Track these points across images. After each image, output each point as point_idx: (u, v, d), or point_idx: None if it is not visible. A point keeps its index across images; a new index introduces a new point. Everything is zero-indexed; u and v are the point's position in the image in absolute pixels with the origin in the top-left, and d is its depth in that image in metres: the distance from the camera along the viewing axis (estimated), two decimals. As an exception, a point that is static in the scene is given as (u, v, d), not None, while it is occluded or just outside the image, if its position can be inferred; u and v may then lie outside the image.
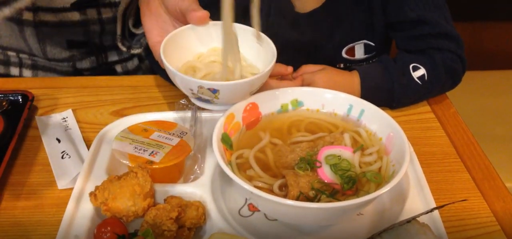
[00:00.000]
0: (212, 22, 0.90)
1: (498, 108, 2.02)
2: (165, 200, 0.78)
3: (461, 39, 1.10)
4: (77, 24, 1.20)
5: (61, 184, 0.85)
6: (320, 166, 0.77)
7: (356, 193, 0.75)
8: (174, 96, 1.07)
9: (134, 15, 1.16)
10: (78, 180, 0.81)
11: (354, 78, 1.06)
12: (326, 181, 0.76)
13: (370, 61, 1.19)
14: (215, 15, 0.87)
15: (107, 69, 1.30)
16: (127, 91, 1.12)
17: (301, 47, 1.18)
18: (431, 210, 0.73)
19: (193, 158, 0.88)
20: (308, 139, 0.84)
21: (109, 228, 0.72)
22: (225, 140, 0.80)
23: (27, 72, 1.24)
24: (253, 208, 0.81)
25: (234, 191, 0.83)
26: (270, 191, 0.75)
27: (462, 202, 0.84)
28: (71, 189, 0.80)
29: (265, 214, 0.80)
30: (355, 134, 0.84)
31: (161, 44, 0.86)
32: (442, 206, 0.76)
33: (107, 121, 0.99)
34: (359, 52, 1.19)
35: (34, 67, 1.24)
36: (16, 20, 1.17)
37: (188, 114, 0.96)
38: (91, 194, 0.77)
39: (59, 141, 0.94)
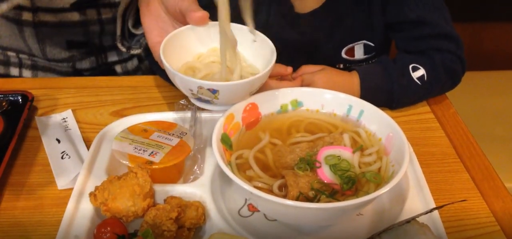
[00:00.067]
0: (211, 23, 0.90)
1: (497, 109, 2.02)
2: (165, 200, 0.78)
3: (460, 40, 1.10)
4: (77, 24, 1.20)
5: (61, 184, 0.85)
6: (320, 167, 0.77)
7: (355, 194, 0.75)
8: (174, 97, 1.07)
9: (133, 15, 1.16)
10: (78, 181, 0.81)
11: (353, 79, 1.06)
12: (325, 181, 0.76)
13: (370, 62, 1.19)
14: (215, 15, 0.86)
15: (106, 70, 1.30)
16: (127, 92, 1.12)
17: (300, 48, 1.19)
18: (431, 211, 0.73)
19: (192, 158, 0.88)
20: (308, 140, 0.84)
21: (109, 228, 0.72)
22: (225, 140, 0.80)
23: (27, 73, 1.24)
24: (252, 208, 0.81)
25: (233, 191, 0.83)
26: (270, 191, 0.75)
27: (462, 202, 0.84)
28: (71, 189, 0.80)
29: (264, 215, 0.80)
30: (354, 134, 0.84)
31: (160, 44, 0.86)
32: (442, 206, 0.76)
33: (107, 121, 0.99)
34: (359, 52, 1.19)
35: (34, 68, 1.24)
36: (16, 20, 1.18)
37: (188, 114, 0.96)
38: (91, 194, 0.77)
39: (59, 141, 0.94)
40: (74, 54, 1.25)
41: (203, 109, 0.95)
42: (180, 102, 0.97)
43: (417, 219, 0.69)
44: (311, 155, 0.80)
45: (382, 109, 0.85)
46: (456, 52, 1.09)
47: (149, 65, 1.28)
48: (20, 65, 1.24)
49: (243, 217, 0.80)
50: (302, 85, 1.02)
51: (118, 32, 1.16)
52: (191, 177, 0.85)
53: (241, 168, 0.78)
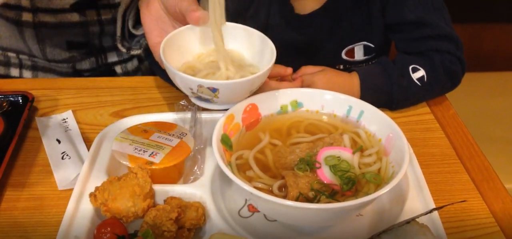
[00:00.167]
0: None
1: (497, 110, 2.02)
2: (165, 201, 0.78)
3: (460, 41, 1.10)
4: (77, 25, 1.20)
5: (61, 184, 0.86)
6: (320, 167, 0.77)
7: (355, 194, 0.75)
8: (174, 97, 1.07)
9: (134, 16, 1.16)
10: (78, 181, 0.81)
11: (353, 80, 1.06)
12: (325, 182, 0.76)
13: (370, 63, 1.19)
14: None
15: (107, 70, 1.30)
16: (127, 92, 1.12)
17: (300, 48, 1.19)
18: (431, 211, 0.73)
19: (192, 159, 0.88)
20: (308, 140, 0.84)
21: (109, 228, 0.72)
22: (225, 141, 0.80)
23: (27, 73, 1.24)
24: (252, 209, 0.81)
25: (233, 191, 0.83)
26: (270, 192, 0.75)
27: (462, 203, 0.84)
28: (71, 190, 0.80)
29: (264, 215, 0.80)
30: (354, 135, 0.84)
31: (161, 44, 0.86)
32: (442, 207, 0.76)
33: (107, 122, 1.00)
34: (359, 53, 1.19)
35: (34, 68, 1.25)
36: (16, 21, 1.18)
37: (188, 115, 0.96)
38: (91, 194, 0.77)
39: (59, 142, 0.94)
40: (74, 55, 1.25)
41: (203, 110, 0.95)
42: (180, 102, 0.97)
43: (417, 219, 0.69)
44: (311, 155, 0.80)
45: (382, 110, 0.85)
46: (456, 53, 1.09)
47: (149, 65, 1.28)
48: (20, 66, 1.24)
49: (243, 218, 0.80)
50: (302, 86, 1.02)
51: (118, 32, 1.16)
52: (191, 177, 0.85)
53: (241, 169, 0.78)
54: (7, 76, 1.23)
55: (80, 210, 0.77)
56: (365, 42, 1.18)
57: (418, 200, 0.82)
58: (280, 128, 0.87)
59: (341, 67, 1.20)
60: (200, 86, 0.80)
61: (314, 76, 1.05)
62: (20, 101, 1.03)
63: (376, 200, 0.75)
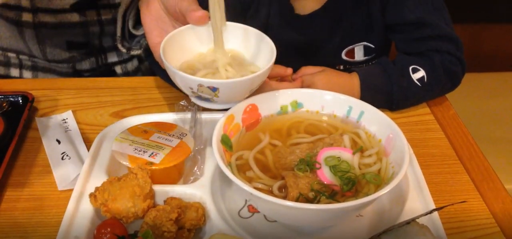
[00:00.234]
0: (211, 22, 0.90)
1: (497, 110, 2.02)
2: (165, 201, 0.78)
3: (460, 41, 1.10)
4: (77, 25, 1.20)
5: (61, 185, 0.86)
6: (320, 168, 0.77)
7: (355, 195, 0.75)
8: (174, 98, 1.07)
9: (134, 16, 1.16)
10: (78, 181, 0.81)
11: (353, 80, 1.06)
12: (325, 182, 0.76)
13: (370, 63, 1.19)
14: None
15: (107, 70, 1.30)
16: (127, 93, 1.12)
17: (300, 49, 1.19)
18: (431, 212, 0.73)
19: (193, 159, 0.88)
20: (308, 141, 0.84)
21: (109, 229, 0.72)
22: (225, 141, 0.80)
23: (27, 73, 1.24)
24: (252, 209, 0.81)
25: (233, 192, 0.83)
26: (270, 192, 0.75)
27: (462, 203, 0.84)
28: (71, 190, 0.81)
29: (264, 215, 0.80)
30: (354, 135, 0.84)
31: (161, 44, 0.87)
32: (442, 208, 0.76)
33: (107, 122, 1.00)
34: (359, 54, 1.19)
35: (34, 68, 1.25)
36: (16, 21, 1.18)
37: (188, 115, 0.96)
38: (91, 195, 0.77)
39: (59, 142, 0.94)
40: (74, 55, 1.25)
41: (203, 110, 0.95)
42: (180, 103, 0.97)
43: (417, 220, 0.69)
44: (311, 156, 0.80)
45: (382, 111, 0.85)
46: (456, 54, 1.09)
47: (149, 65, 1.28)
48: (21, 66, 1.24)
49: (243, 218, 0.80)
50: (302, 86, 1.02)
51: (118, 32, 1.16)
52: (191, 178, 0.85)
53: (241, 169, 0.78)
54: (7, 77, 1.23)
55: (80, 210, 0.77)
56: (365, 43, 1.18)
57: (418, 201, 0.82)
58: (280, 128, 0.87)
59: (341, 67, 1.20)
60: (200, 85, 0.80)
61: (314, 76, 1.05)
62: (20, 101, 1.03)
63: (376, 200, 0.75)
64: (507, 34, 2.44)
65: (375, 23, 1.15)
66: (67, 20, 1.19)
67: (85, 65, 1.28)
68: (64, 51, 1.24)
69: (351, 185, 0.75)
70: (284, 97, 0.90)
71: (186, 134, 0.87)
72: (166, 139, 0.85)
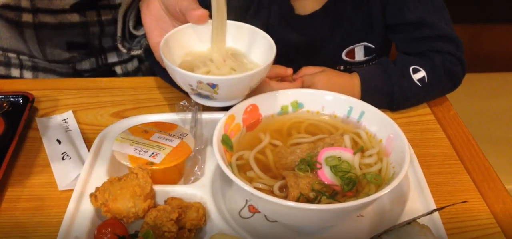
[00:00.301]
0: (211, 21, 0.90)
1: (498, 110, 2.02)
2: (165, 201, 0.78)
3: (460, 41, 1.10)
4: (77, 25, 1.20)
5: (62, 185, 0.86)
6: (320, 168, 0.77)
7: (356, 195, 0.75)
8: (174, 98, 1.07)
9: (134, 16, 1.16)
10: (79, 182, 0.81)
11: (354, 80, 1.06)
12: (326, 182, 0.76)
13: (370, 63, 1.19)
14: None
15: (107, 71, 1.30)
16: (128, 93, 1.12)
17: (301, 49, 1.19)
18: (431, 212, 0.73)
19: (193, 159, 0.88)
20: (308, 141, 0.84)
21: (109, 229, 0.72)
22: (226, 141, 0.80)
23: (27, 74, 1.24)
24: (253, 210, 0.81)
25: (234, 192, 0.83)
26: (271, 192, 0.75)
27: (462, 203, 0.84)
28: (72, 190, 0.80)
29: (265, 216, 0.80)
30: (355, 135, 0.84)
31: (160, 42, 0.87)
32: (442, 208, 0.76)
33: (108, 122, 1.00)
34: (359, 54, 1.19)
35: (35, 69, 1.25)
36: (16, 22, 1.18)
37: (189, 115, 0.96)
38: (91, 195, 0.77)
39: (59, 142, 0.94)
40: (74, 55, 1.25)
41: (203, 110, 0.95)
42: (181, 103, 0.97)
43: (417, 220, 0.69)
44: (311, 156, 0.80)
45: (383, 111, 0.85)
46: (456, 54, 1.09)
47: (150, 65, 1.28)
48: (21, 66, 1.24)
49: (244, 218, 0.80)
50: (302, 87, 1.02)
51: (119, 33, 1.16)
52: (192, 178, 0.85)
53: (242, 169, 0.78)
54: (7, 77, 1.23)
55: (81, 210, 0.77)
56: (366, 43, 1.18)
57: (419, 201, 0.82)
58: (280, 128, 0.87)
59: (342, 67, 1.20)
60: (199, 82, 0.80)
61: (315, 76, 1.05)
62: (21, 101, 1.03)
63: (377, 200, 0.75)
64: (507, 34, 2.44)
65: (375, 23, 1.15)
66: (67, 21, 1.19)
67: (85, 65, 1.28)
68: (64, 51, 1.24)
69: (351, 185, 0.75)
70: (285, 97, 0.90)
71: (187, 134, 0.87)
72: (166, 139, 0.85)
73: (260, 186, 0.76)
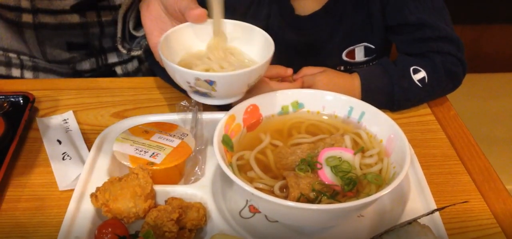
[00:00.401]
0: (210, 20, 0.90)
1: (498, 111, 2.02)
2: (166, 201, 0.78)
3: (461, 42, 1.10)
4: (77, 26, 1.20)
5: (62, 185, 0.86)
6: (321, 168, 0.77)
7: (356, 195, 0.75)
8: (175, 98, 1.07)
9: (134, 17, 1.16)
10: (79, 182, 0.81)
11: (354, 81, 1.06)
12: (326, 182, 0.76)
13: (371, 64, 1.19)
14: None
15: (107, 71, 1.30)
16: (128, 93, 1.12)
17: (301, 49, 1.19)
18: (432, 212, 0.73)
19: (193, 159, 0.88)
20: (309, 141, 0.84)
21: (110, 229, 0.72)
22: (226, 141, 0.80)
23: (28, 74, 1.24)
24: (254, 210, 0.81)
25: (235, 192, 0.83)
26: (271, 192, 0.75)
27: (463, 204, 0.84)
28: (72, 190, 0.80)
29: (266, 216, 0.80)
30: (355, 136, 0.84)
31: (159, 41, 0.87)
32: (443, 208, 0.76)
33: (108, 122, 1.00)
34: (359, 54, 1.19)
35: (35, 69, 1.25)
36: (16, 22, 1.18)
37: (189, 115, 0.96)
38: (92, 195, 0.77)
39: (60, 142, 0.94)
40: (74, 56, 1.25)
41: (204, 110, 0.95)
42: (181, 103, 0.97)
43: (418, 220, 0.69)
44: (312, 156, 0.80)
45: (383, 111, 0.85)
46: (457, 55, 1.09)
47: (150, 66, 1.28)
48: (22, 66, 1.24)
49: (244, 218, 0.80)
50: (302, 87, 1.02)
51: (119, 34, 1.16)
52: (192, 178, 0.85)
53: (242, 169, 0.78)
54: (8, 77, 1.23)
55: (81, 210, 0.77)
56: (366, 43, 1.18)
57: (419, 201, 0.82)
58: (281, 128, 0.87)
59: (342, 68, 1.20)
60: (197, 79, 0.80)
61: (315, 77, 1.05)
62: (21, 101, 1.03)
63: (378, 201, 0.74)
64: (508, 35, 2.44)
65: (376, 24, 1.15)
66: (67, 21, 1.19)
67: (86, 65, 1.28)
68: (64, 51, 1.24)
69: (352, 185, 0.75)
70: (285, 97, 0.90)
71: (187, 134, 0.87)
72: (167, 139, 0.85)
73: (261, 186, 0.76)
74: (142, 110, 1.06)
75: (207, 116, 0.96)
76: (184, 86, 0.84)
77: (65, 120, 1.01)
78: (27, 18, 1.17)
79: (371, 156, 0.81)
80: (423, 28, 1.09)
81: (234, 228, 0.76)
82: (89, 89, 1.12)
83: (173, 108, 1.02)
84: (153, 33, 0.95)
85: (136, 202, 0.74)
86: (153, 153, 0.82)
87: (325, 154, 0.79)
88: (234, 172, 0.74)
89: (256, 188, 0.73)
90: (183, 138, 0.86)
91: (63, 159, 0.90)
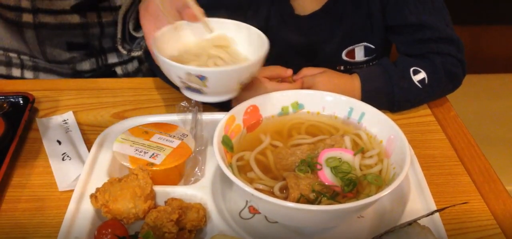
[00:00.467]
0: (207, 19, 0.90)
1: (498, 111, 2.02)
2: (165, 202, 0.78)
3: (461, 43, 1.10)
4: (77, 26, 1.20)
5: (62, 186, 0.85)
6: (321, 169, 0.77)
7: (356, 196, 0.75)
8: (175, 99, 1.07)
9: (134, 18, 1.16)
10: (79, 182, 0.81)
11: (354, 81, 1.06)
12: (326, 183, 0.76)
13: (371, 64, 1.19)
14: (212, 15, 0.89)
15: (107, 71, 1.30)
16: (128, 93, 1.12)
17: (301, 49, 1.19)
18: (432, 213, 0.73)
19: (193, 160, 0.88)
20: (309, 142, 0.84)
21: (109, 230, 0.72)
22: (226, 142, 0.80)
23: (28, 74, 1.24)
24: (253, 210, 0.81)
25: (234, 193, 0.83)
26: (271, 193, 0.75)
27: (463, 204, 0.84)
28: (72, 191, 0.80)
29: (265, 216, 0.80)
30: (355, 136, 0.84)
31: (154, 38, 0.87)
32: (443, 209, 0.76)
33: (108, 123, 1.00)
34: (359, 54, 1.19)
35: (35, 69, 1.25)
36: (16, 22, 1.18)
37: (189, 116, 0.96)
38: (91, 196, 0.77)
39: (59, 143, 0.94)
40: (74, 56, 1.26)
41: (204, 111, 0.95)
42: (181, 104, 0.97)
43: (418, 221, 0.69)
44: (312, 157, 0.80)
45: (383, 112, 0.85)
46: (457, 55, 1.09)
47: (150, 66, 1.28)
48: (22, 66, 1.24)
49: (244, 219, 0.80)
50: (302, 88, 1.02)
51: (119, 34, 1.16)
52: (192, 179, 0.85)
53: (242, 170, 0.78)
54: (9, 76, 1.24)
55: (81, 211, 0.77)
56: (366, 43, 1.18)
57: (419, 202, 0.82)
58: (281, 129, 0.87)
59: (342, 68, 1.20)
60: (188, 74, 0.79)
61: (315, 77, 1.05)
62: (21, 102, 1.03)
63: (377, 201, 0.74)
64: (507, 36, 2.44)
65: (376, 24, 1.15)
66: (68, 21, 1.19)
67: (86, 66, 1.28)
68: (64, 51, 1.24)
69: (352, 186, 0.75)
70: (285, 98, 0.90)
71: (187, 135, 0.87)
72: (167, 140, 0.85)
73: (261, 187, 0.76)
74: (142, 111, 1.06)
75: (207, 116, 0.96)
76: (176, 81, 0.83)
77: (65, 120, 1.01)
78: (27, 18, 1.17)
79: (371, 157, 0.81)
80: (423, 29, 1.09)
81: (234, 229, 0.76)
82: (89, 90, 1.12)
83: (173, 108, 1.02)
84: (151, 33, 0.95)
85: (136, 203, 0.74)
86: (153, 154, 0.82)
87: (325, 155, 0.79)
88: (234, 173, 0.74)
89: (256, 189, 0.73)
90: (183, 139, 0.86)
91: (63, 159, 0.90)
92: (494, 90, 2.15)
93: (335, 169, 0.77)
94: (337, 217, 0.74)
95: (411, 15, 1.09)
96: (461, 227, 0.81)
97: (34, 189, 0.86)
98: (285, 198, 0.74)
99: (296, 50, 1.18)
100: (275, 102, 0.89)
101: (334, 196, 0.74)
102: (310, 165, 0.78)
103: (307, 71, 1.07)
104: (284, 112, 0.89)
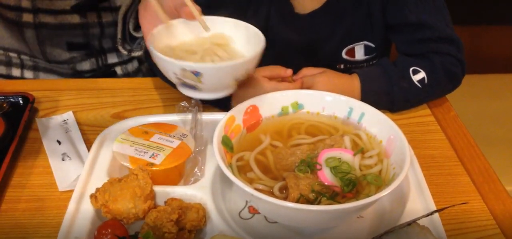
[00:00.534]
0: (204, 17, 0.90)
1: (498, 111, 2.02)
2: (165, 202, 0.78)
3: (461, 43, 1.10)
4: (77, 26, 1.21)
5: (62, 186, 0.86)
6: (321, 169, 0.77)
7: (356, 196, 0.75)
8: (175, 99, 1.07)
9: (134, 18, 1.16)
10: (79, 182, 0.81)
11: (354, 81, 1.06)
12: (326, 183, 0.76)
13: (371, 63, 1.19)
14: (211, 14, 0.89)
15: (107, 71, 1.30)
16: (128, 93, 1.12)
17: (301, 48, 1.18)
18: (432, 213, 0.73)
19: (193, 160, 0.88)
20: (309, 142, 0.84)
21: (109, 230, 0.72)
22: (226, 142, 0.80)
23: (28, 74, 1.24)
24: (253, 211, 0.81)
25: (234, 193, 0.83)
26: (271, 193, 0.75)
27: (462, 205, 0.84)
28: (72, 191, 0.80)
29: (265, 217, 0.80)
30: (355, 137, 0.84)
31: (151, 34, 0.87)
32: (443, 209, 0.76)
33: (108, 123, 0.99)
34: (359, 53, 1.19)
35: (35, 69, 1.25)
36: (16, 22, 1.18)
37: (189, 116, 0.96)
38: (91, 196, 0.77)
39: (59, 143, 0.94)
40: (74, 56, 1.26)
41: (204, 111, 0.95)
42: (181, 104, 0.97)
43: (418, 221, 0.69)
44: (311, 157, 0.80)
45: (383, 112, 0.85)
46: (457, 55, 1.08)
47: (150, 67, 1.28)
48: (22, 66, 1.24)
49: (244, 219, 0.80)
50: (302, 88, 1.02)
51: (119, 35, 1.16)
52: (192, 179, 0.85)
53: (242, 170, 0.78)
54: (8, 76, 1.24)
55: (81, 211, 0.77)
56: (366, 42, 1.18)
57: (419, 202, 0.82)
58: (281, 129, 0.87)
59: (342, 66, 1.20)
60: (183, 70, 0.79)
61: (315, 77, 1.05)
62: (21, 102, 1.03)
63: (377, 202, 0.74)
64: (507, 36, 2.44)
65: (376, 22, 1.15)
66: (68, 22, 1.19)
67: (86, 66, 1.28)
68: (64, 52, 1.24)
69: (352, 186, 0.75)
70: (285, 98, 0.90)
71: (187, 135, 0.87)
72: (166, 140, 0.85)
73: (260, 187, 0.76)
74: (142, 111, 1.06)
75: (206, 117, 0.96)
76: (171, 77, 0.83)
77: (65, 120, 1.01)
78: (27, 17, 1.17)
79: (370, 157, 0.81)
80: (423, 28, 1.09)
81: (233, 229, 0.76)
82: (89, 90, 1.12)
83: (173, 108, 1.02)
84: (150, 32, 0.95)
85: (135, 203, 0.74)
86: (153, 154, 0.82)
87: (325, 155, 0.79)
88: (233, 173, 0.74)
89: (256, 189, 0.73)
90: (182, 139, 0.86)
91: (62, 159, 0.90)
92: (494, 90, 2.15)
93: (334, 169, 0.77)
94: (336, 217, 0.74)
95: (411, 15, 1.09)
96: (460, 227, 0.81)
97: (34, 189, 0.86)
98: (285, 198, 0.74)
99: (296, 49, 1.18)
100: (275, 102, 0.89)
101: (333, 196, 0.74)
102: (310, 165, 0.78)
103: (307, 71, 1.07)
104: (284, 112, 0.89)
